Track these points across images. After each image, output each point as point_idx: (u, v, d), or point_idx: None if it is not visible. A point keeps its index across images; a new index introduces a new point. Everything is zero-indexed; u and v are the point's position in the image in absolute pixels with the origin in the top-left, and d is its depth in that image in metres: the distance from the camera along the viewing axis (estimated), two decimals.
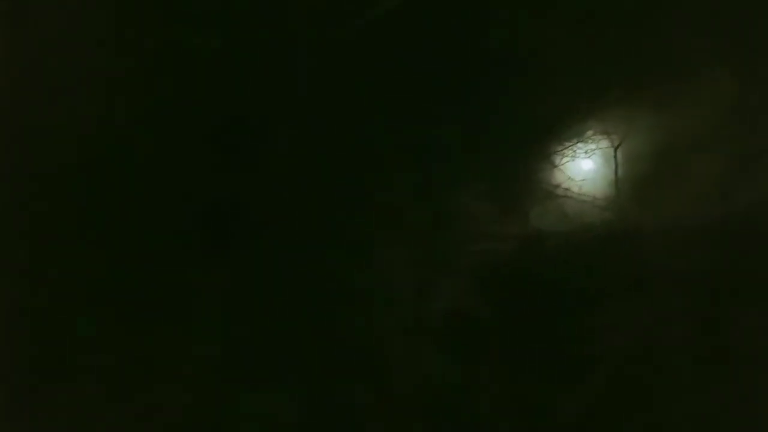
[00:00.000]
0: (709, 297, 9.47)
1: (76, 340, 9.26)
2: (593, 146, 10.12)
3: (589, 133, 10.10)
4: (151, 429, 9.25)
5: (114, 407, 9.22)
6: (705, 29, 9.94)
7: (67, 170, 9.57)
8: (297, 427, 9.35)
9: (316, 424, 9.37)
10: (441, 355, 9.66)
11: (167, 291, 9.51)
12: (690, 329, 9.40)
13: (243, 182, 9.70)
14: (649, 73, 9.81)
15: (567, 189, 10.03)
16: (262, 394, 9.30)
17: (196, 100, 9.78)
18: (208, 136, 9.81)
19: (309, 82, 9.78)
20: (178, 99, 9.80)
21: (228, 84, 9.84)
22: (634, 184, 10.07)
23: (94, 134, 9.64)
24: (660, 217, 9.81)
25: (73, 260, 9.40)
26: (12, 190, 9.53)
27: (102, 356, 9.25)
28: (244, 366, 9.41)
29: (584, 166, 10.14)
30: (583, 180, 10.08)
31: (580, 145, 10.10)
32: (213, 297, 9.48)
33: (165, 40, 9.81)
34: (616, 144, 10.12)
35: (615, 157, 10.15)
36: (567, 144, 10.11)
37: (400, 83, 9.64)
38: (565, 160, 10.12)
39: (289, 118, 9.79)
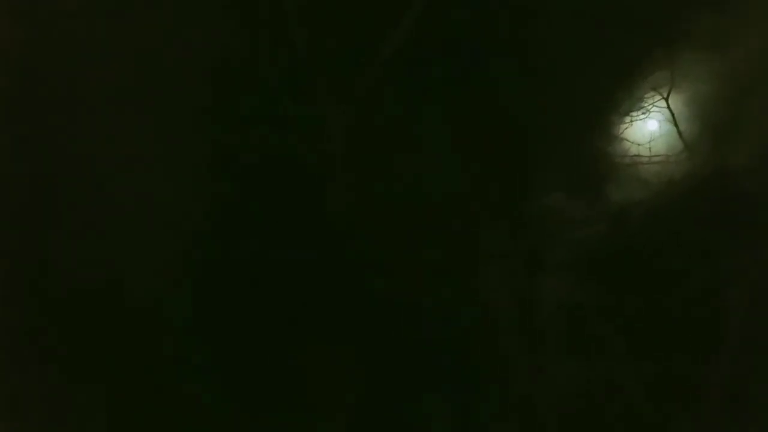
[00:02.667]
0: None
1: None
2: (647, 103, 9.74)
3: (639, 92, 9.69)
4: None
5: None
6: None
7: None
8: None
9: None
10: (567, 358, 9.30)
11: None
12: None
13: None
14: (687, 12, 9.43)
15: (637, 155, 9.56)
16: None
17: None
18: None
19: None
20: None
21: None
22: (702, 128, 9.63)
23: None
24: (739, 152, 9.34)
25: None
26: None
27: None
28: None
29: (646, 127, 9.76)
30: (651, 141, 9.65)
31: (634, 107, 9.74)
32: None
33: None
34: (665, 95, 9.69)
35: (668, 107, 9.73)
36: (622, 111, 9.70)
37: (442, 90, 9.39)
38: (624, 127, 9.69)
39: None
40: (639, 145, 9.68)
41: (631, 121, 9.74)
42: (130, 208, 9.08)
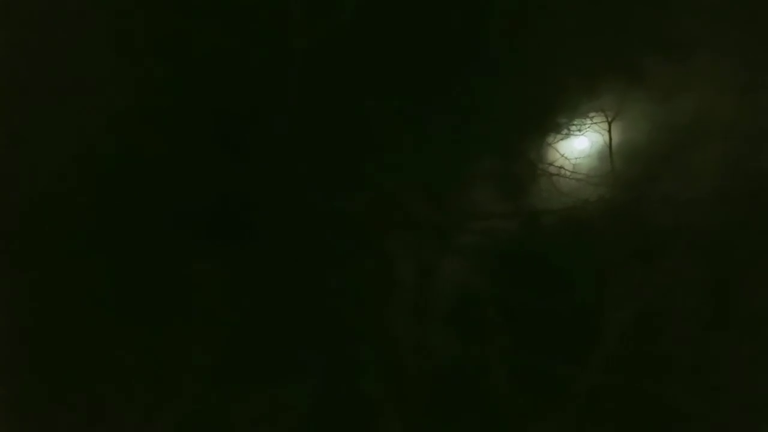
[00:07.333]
0: (714, 264, 9.50)
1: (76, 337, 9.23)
2: (587, 123, 10.08)
3: (584, 109, 10.06)
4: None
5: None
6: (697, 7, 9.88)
7: (72, 168, 9.54)
8: (309, 416, 9.42)
9: (328, 411, 9.46)
10: (449, 335, 9.73)
11: (171, 287, 9.54)
12: (696, 297, 9.41)
13: (241, 176, 9.70)
14: (643, 49, 9.81)
15: (561, 167, 9.99)
16: (271, 388, 9.39)
17: (195, 97, 9.79)
18: (210, 132, 9.82)
19: (302, 73, 9.76)
20: (180, 95, 9.80)
21: (225, 79, 9.83)
22: (629, 160, 10.01)
23: (100, 133, 9.61)
24: (657, 191, 9.75)
25: (75, 258, 9.42)
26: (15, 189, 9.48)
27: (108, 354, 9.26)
28: (253, 360, 9.44)
29: (578, 144, 10.13)
30: (577, 158, 10.05)
31: (574, 122, 10.08)
32: (217, 290, 9.49)
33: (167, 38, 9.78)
34: (610, 119, 10.05)
35: (609, 132, 10.10)
36: (562, 122, 10.09)
37: (391, 70, 9.64)
38: (559, 138, 10.08)
39: (284, 108, 9.84)
40: (566, 158, 10.07)
41: (568, 134, 10.12)
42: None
